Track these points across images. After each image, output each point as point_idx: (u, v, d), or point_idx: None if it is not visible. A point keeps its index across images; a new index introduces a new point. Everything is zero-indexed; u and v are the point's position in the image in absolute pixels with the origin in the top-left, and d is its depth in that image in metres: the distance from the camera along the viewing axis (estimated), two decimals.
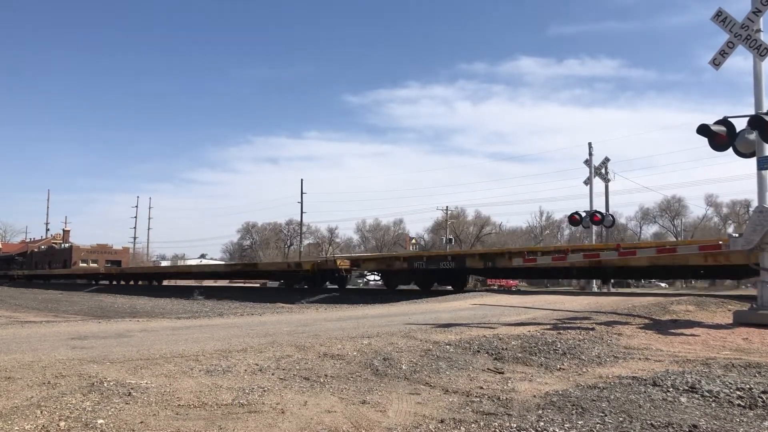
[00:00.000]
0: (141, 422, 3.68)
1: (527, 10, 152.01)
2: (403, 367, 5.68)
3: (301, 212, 71.14)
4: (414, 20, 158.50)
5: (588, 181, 30.88)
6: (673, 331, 8.66)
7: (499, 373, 5.57)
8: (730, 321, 9.92)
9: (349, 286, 33.47)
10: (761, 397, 4.49)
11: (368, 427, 3.72)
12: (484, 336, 7.74)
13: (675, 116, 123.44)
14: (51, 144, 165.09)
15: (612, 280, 27.12)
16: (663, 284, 50.29)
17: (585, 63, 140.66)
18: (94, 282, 53.88)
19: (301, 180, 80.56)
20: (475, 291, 24.02)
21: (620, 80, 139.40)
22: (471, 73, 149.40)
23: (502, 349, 6.77)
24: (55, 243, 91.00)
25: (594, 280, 27.61)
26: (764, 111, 9.58)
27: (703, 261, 17.15)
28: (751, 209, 15.10)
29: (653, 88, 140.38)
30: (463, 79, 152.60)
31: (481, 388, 4.88)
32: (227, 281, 50.76)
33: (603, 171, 31.86)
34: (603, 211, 28.28)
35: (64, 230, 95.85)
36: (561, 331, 8.29)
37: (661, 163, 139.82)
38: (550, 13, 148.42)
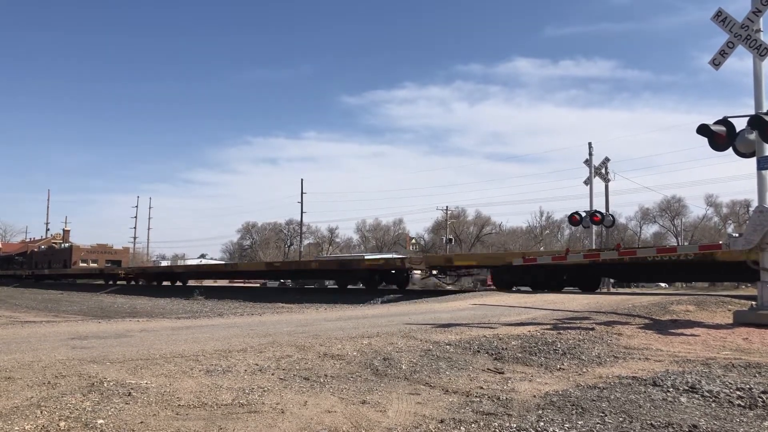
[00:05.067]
0: (141, 422, 3.67)
1: (522, 12, 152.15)
2: (403, 367, 5.68)
3: (301, 212, 71.19)
4: (410, 21, 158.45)
5: (588, 181, 30.92)
6: (673, 331, 8.66)
7: (499, 373, 5.56)
8: (730, 321, 9.91)
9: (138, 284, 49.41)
10: (761, 397, 4.49)
11: (368, 427, 3.72)
12: (484, 336, 7.74)
13: (671, 117, 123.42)
14: (51, 144, 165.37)
15: (612, 281, 27.15)
16: (663, 284, 50.24)
17: (580, 64, 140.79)
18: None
19: (301, 180, 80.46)
20: (476, 291, 24.03)
21: (616, 81, 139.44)
22: (467, 74, 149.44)
23: (502, 349, 6.77)
24: (55, 243, 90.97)
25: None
26: (764, 111, 9.57)
27: None
28: (751, 209, 15.10)
29: (649, 89, 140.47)
30: (460, 80, 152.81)
31: (481, 388, 4.88)
32: (227, 281, 54.72)
33: (603, 171, 31.91)
34: (603, 211, 28.30)
35: (64, 230, 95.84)
36: (561, 331, 8.29)
37: (660, 163, 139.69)
38: (545, 15, 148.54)
